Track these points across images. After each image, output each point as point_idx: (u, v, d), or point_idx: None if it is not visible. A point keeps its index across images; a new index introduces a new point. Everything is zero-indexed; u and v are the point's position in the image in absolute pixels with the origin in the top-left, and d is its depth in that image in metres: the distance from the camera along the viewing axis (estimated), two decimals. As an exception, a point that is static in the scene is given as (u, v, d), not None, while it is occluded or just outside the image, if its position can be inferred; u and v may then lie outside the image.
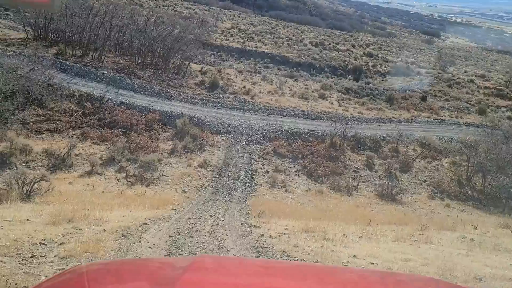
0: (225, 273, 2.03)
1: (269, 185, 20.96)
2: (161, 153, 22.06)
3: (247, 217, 13.80)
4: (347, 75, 42.56)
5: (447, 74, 47.45)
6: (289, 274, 2.11)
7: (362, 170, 24.60)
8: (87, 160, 19.77)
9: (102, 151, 21.10)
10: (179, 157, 22.22)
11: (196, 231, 10.09)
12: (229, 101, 29.61)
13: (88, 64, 29.58)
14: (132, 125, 23.77)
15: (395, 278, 2.29)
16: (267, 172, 22.23)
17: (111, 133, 22.80)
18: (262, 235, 9.88)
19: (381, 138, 27.89)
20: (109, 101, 25.48)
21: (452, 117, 35.32)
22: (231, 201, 17.85)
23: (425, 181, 24.63)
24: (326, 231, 10.94)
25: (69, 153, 19.53)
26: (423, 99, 37.95)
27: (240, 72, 36.88)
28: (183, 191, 18.48)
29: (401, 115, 33.50)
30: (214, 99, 29.47)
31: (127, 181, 18.55)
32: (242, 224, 11.86)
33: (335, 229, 11.63)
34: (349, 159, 25.42)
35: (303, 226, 11.49)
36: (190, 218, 12.42)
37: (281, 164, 23.15)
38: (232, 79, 33.92)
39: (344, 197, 21.23)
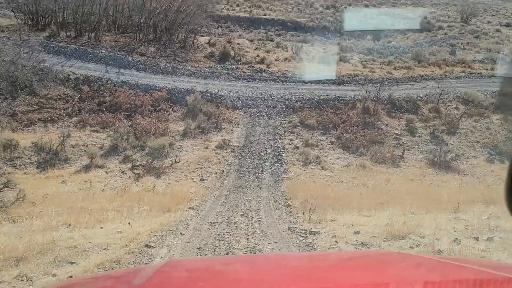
0: (194, 277, 1.76)
1: (301, 163, 16.94)
2: (172, 136, 18.11)
3: (290, 213, 9.83)
4: (365, 36, 37.79)
5: (470, 26, 42.28)
6: (272, 269, 1.82)
7: (403, 136, 20.37)
8: (85, 151, 15.93)
9: (103, 139, 17.20)
10: (193, 139, 18.27)
11: (228, 253, 6.16)
12: (243, 71, 25.38)
13: (84, 44, 25.51)
14: (137, 106, 19.80)
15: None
16: (297, 147, 18.17)
17: (113, 117, 18.88)
18: (333, 255, 5.89)
19: (418, 98, 23.51)
20: (109, 82, 21.49)
21: (487, 69, 30.50)
22: (261, 188, 13.91)
23: (477, 142, 20.33)
24: (421, 233, 6.93)
25: (62, 145, 15.69)
26: (453, 53, 33.21)
27: (251, 41, 32.45)
28: (202, 179, 14.56)
29: (432, 71, 28.85)
30: (226, 71, 25.26)
31: (133, 173, 14.69)
32: (290, 229, 7.88)
33: (427, 226, 7.60)
34: (386, 124, 21.19)
35: (380, 225, 7.51)
36: (214, 223, 8.50)
37: (311, 137, 19.04)
38: (243, 49, 29.55)
39: (391, 169, 17.12)
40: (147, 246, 6.39)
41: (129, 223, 7.74)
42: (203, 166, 15.81)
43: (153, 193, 12.22)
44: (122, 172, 14.84)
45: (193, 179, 14.65)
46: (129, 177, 14.44)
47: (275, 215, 9.58)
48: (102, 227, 7.71)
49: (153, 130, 17.75)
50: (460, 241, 6.42)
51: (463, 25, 42.40)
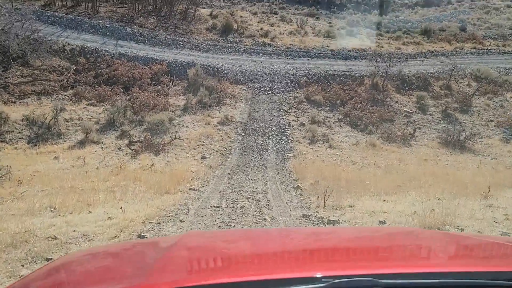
0: (212, 248, 1.73)
1: (308, 141, 15.88)
2: (172, 111, 17.00)
3: (301, 197, 8.79)
4: (372, 10, 36.18)
5: (480, 2, 40.51)
6: (284, 241, 1.87)
7: (414, 113, 19.25)
8: (79, 126, 14.84)
9: (100, 113, 16.09)
10: (194, 114, 17.16)
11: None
12: (246, 45, 24.05)
13: (81, 14, 24.11)
14: (135, 79, 18.60)
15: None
16: (303, 124, 17.09)
17: (110, 91, 17.72)
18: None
19: (429, 74, 22.29)
20: (107, 53, 20.22)
21: (499, 45, 29.10)
22: (266, 166, 12.88)
23: (491, 121, 19.21)
24: (457, 224, 5.93)
25: (55, 119, 14.59)
26: (463, 28, 31.73)
27: (255, 14, 30.96)
28: (203, 157, 13.52)
29: (442, 47, 27.50)
30: (229, 44, 23.93)
31: (131, 149, 13.63)
32: (304, 216, 6.87)
33: (461, 215, 6.59)
34: (396, 101, 20.04)
35: (407, 213, 6.51)
36: (217, 207, 7.50)
37: (317, 114, 17.92)
38: (246, 22, 28.12)
39: (402, 149, 16.08)
40: (141, 236, 5.40)
41: (121, 208, 6.72)
42: (204, 143, 14.76)
43: (151, 172, 11.19)
44: (118, 149, 13.79)
45: (194, 156, 13.61)
46: (126, 153, 13.40)
47: (284, 199, 8.57)
48: (91, 212, 6.71)
49: (152, 105, 16.63)
50: (510, 236, 5.42)
51: (472, 0, 40.65)
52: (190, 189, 9.34)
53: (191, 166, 12.39)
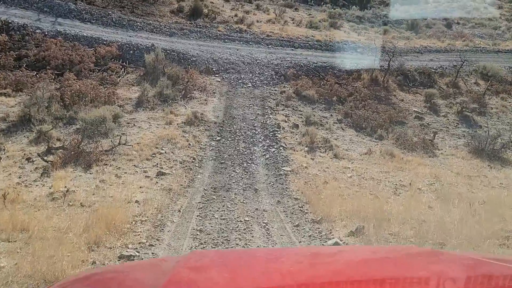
0: (221, 269, 1.47)
1: (306, 148, 10.99)
2: (120, 105, 11.67)
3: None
4: (350, 5, 32.00)
5: (457, 3, 37.39)
6: (296, 261, 1.61)
7: (425, 115, 14.86)
8: (-28, 124, 9.32)
9: (12, 106, 10.59)
10: (151, 111, 11.90)
11: None
12: (219, 30, 18.97)
13: (12, -14, 18.22)
14: (73, 64, 13.10)
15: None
16: (296, 126, 12.21)
17: (36, 76, 12.17)
18: None
19: (432, 70, 18.11)
20: (38, 31, 14.58)
21: (489, 44, 25.63)
22: (256, 189, 7.93)
23: (513, 125, 15.13)
24: None
25: None
26: (448, 26, 28.16)
27: (227, 1, 25.90)
28: (160, 173, 8.35)
29: (434, 43, 23.56)
30: (198, 28, 18.77)
31: (45, 160, 8.27)
32: None
33: None
34: (402, 100, 15.59)
35: None
36: None
37: (312, 113, 13.13)
38: (218, 8, 23.02)
39: (426, 159, 11.50)
40: None
41: None
42: (163, 151, 9.59)
43: (63, 205, 5.97)
44: (27, 160, 8.39)
45: (145, 172, 8.42)
46: (37, 168, 8.04)
47: None
48: None
49: (91, 96, 11.26)
50: None
51: (448, 2, 37.47)
52: (120, 256, 4.21)
53: (138, 190, 7.23)
